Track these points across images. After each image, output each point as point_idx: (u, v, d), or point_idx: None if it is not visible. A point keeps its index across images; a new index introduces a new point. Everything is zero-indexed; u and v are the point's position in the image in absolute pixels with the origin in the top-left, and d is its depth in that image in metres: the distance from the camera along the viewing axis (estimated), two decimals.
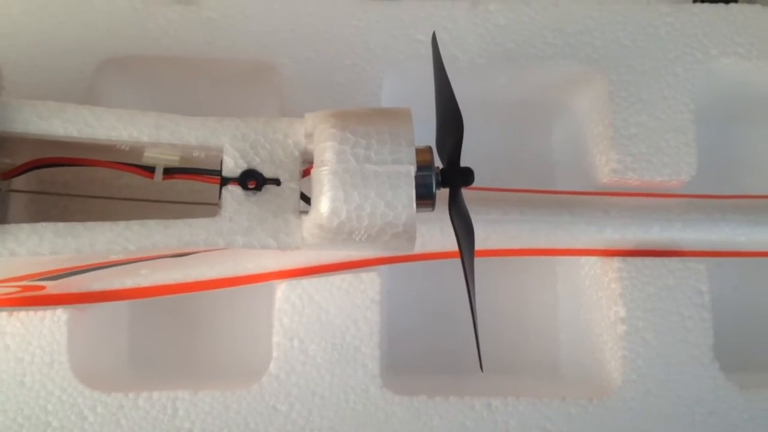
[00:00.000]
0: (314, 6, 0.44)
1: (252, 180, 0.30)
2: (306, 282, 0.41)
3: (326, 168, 0.28)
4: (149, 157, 0.31)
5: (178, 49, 0.43)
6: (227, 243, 0.29)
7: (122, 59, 0.43)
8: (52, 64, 0.41)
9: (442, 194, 0.31)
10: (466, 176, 0.31)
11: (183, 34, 0.43)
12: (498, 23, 0.45)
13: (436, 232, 0.41)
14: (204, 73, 0.45)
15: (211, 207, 0.31)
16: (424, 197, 0.30)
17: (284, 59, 0.43)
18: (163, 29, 0.43)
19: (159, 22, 0.43)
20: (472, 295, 0.31)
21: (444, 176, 0.31)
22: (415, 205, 0.29)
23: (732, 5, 0.47)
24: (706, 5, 0.47)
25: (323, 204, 0.28)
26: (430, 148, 0.31)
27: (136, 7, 0.43)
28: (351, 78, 0.43)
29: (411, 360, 0.47)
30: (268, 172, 0.30)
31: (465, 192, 0.42)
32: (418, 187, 0.29)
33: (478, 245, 0.42)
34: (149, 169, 0.32)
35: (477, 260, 0.48)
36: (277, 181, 0.31)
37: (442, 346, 0.48)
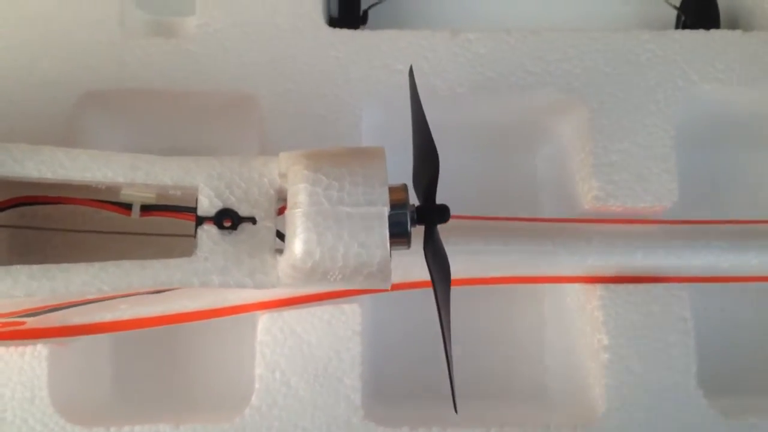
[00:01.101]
0: (293, 38, 0.44)
1: (227, 218, 0.30)
2: (287, 314, 0.41)
3: (299, 210, 0.28)
4: (126, 194, 0.31)
5: (157, 81, 0.43)
6: (202, 283, 0.29)
7: (102, 92, 0.43)
8: (31, 98, 0.42)
9: (420, 230, 0.31)
10: (442, 214, 0.31)
11: (162, 67, 0.43)
12: (478, 52, 0.45)
13: (419, 261, 0.41)
14: (184, 105, 0.45)
15: (191, 239, 0.31)
16: (399, 236, 0.30)
17: (264, 91, 0.43)
18: (142, 62, 0.43)
19: (138, 55, 0.43)
20: (446, 337, 0.31)
21: (419, 213, 0.31)
22: (388, 245, 0.29)
23: (713, 31, 0.47)
24: (687, 32, 0.47)
25: (297, 246, 0.28)
26: (405, 186, 0.31)
27: (115, 41, 0.43)
28: (331, 109, 0.43)
29: (394, 389, 0.47)
30: (243, 211, 0.30)
31: (450, 222, 0.43)
32: (392, 225, 0.29)
33: (461, 274, 0.42)
34: (127, 206, 0.32)
35: (462, 288, 0.48)
36: (252, 220, 0.31)
37: (425, 374, 0.48)
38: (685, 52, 0.46)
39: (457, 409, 0.31)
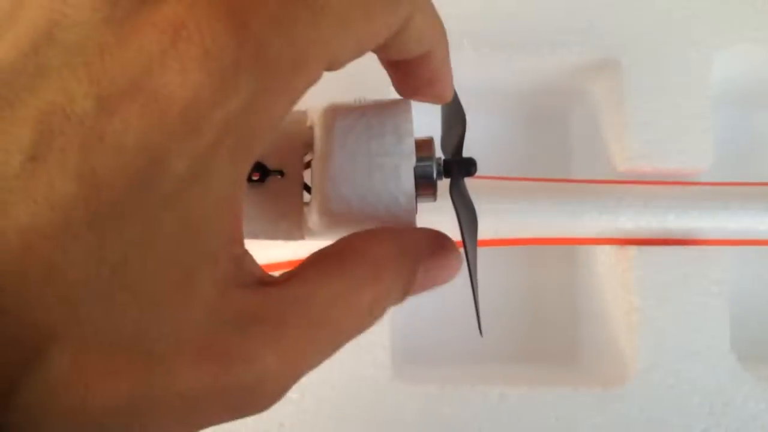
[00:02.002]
0: None
1: (255, 171, 0.30)
2: None
3: (327, 159, 0.29)
4: None
5: None
6: None
7: None
8: None
9: (446, 185, 0.31)
10: (468, 166, 0.31)
11: None
12: (509, 10, 0.44)
13: (446, 222, 0.41)
14: None
15: None
16: (426, 187, 0.30)
17: None
18: None
19: None
20: (473, 267, 0.30)
21: (446, 166, 0.31)
22: (415, 193, 0.29)
23: None
24: None
25: (324, 195, 0.29)
26: (431, 139, 0.31)
27: None
28: (360, 66, 0.43)
29: (422, 349, 0.48)
30: (271, 164, 0.31)
31: (474, 182, 0.42)
32: (418, 176, 0.29)
33: (489, 234, 0.42)
34: None
35: (491, 249, 0.48)
36: (280, 173, 0.31)
37: (453, 335, 0.48)
38: (721, 10, 0.45)
39: (480, 334, 0.31)
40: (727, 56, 0.45)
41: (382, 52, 0.21)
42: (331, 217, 0.29)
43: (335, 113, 0.29)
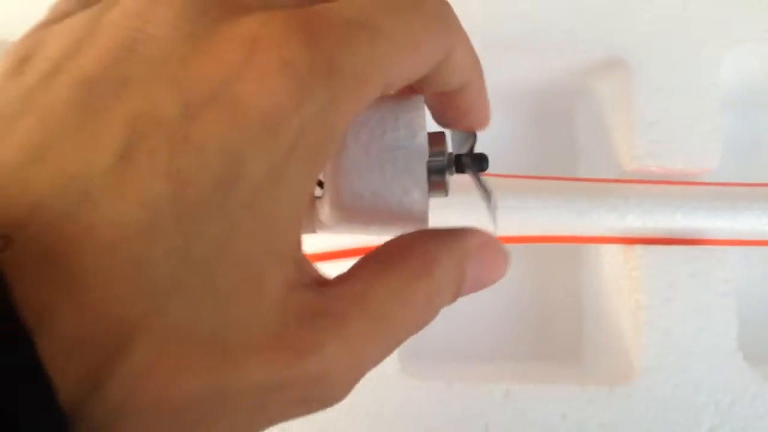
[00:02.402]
0: None
1: None
2: (326, 266, 0.41)
3: (340, 152, 0.29)
4: None
5: None
6: None
7: None
8: None
9: (455, 180, 0.31)
10: (480, 161, 0.31)
11: None
12: (518, 9, 0.44)
13: (455, 217, 0.41)
14: None
15: None
16: (437, 182, 0.30)
17: None
18: None
19: None
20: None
21: (457, 161, 0.31)
22: (427, 188, 0.29)
23: None
24: None
25: (337, 188, 0.29)
26: (443, 134, 0.31)
27: None
28: None
29: (430, 345, 0.48)
30: None
31: (483, 179, 0.43)
32: (431, 171, 0.30)
33: (497, 233, 0.42)
34: None
35: None
36: None
37: (461, 331, 0.49)
38: (730, 9, 0.45)
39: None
40: (736, 56, 0.45)
41: (425, 83, 0.22)
42: (344, 210, 0.29)
43: None
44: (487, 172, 0.32)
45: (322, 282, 0.19)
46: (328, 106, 0.16)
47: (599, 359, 0.47)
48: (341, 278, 0.20)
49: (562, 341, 0.49)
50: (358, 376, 0.18)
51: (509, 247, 0.45)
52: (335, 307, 0.18)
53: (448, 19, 0.21)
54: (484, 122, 0.27)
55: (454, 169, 0.31)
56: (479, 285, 0.23)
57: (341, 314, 0.18)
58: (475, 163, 0.31)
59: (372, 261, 0.21)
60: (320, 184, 0.31)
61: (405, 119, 0.29)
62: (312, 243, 0.40)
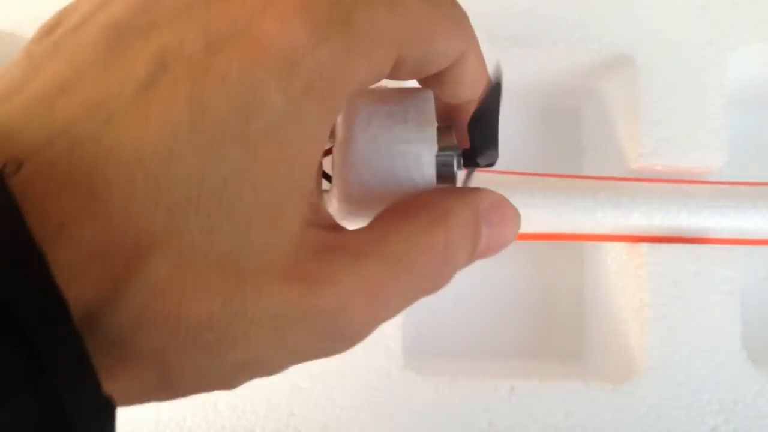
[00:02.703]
0: None
1: None
2: None
3: (349, 145, 0.29)
4: None
5: None
6: None
7: None
8: None
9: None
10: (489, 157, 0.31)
11: None
12: (525, 7, 0.44)
13: None
14: None
15: None
16: (446, 176, 0.30)
17: None
18: None
19: None
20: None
21: (465, 156, 0.31)
22: (435, 183, 0.29)
23: None
24: None
25: (345, 181, 0.29)
26: (452, 128, 0.31)
27: None
28: None
29: (433, 342, 0.48)
30: None
31: (488, 176, 0.43)
32: (439, 165, 0.30)
33: None
34: None
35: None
36: None
37: (464, 329, 0.49)
38: (737, 10, 0.45)
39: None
40: (742, 56, 0.45)
41: (438, 87, 0.23)
42: (352, 203, 0.29)
43: (357, 100, 0.29)
44: (493, 168, 0.32)
45: (337, 227, 0.20)
46: (344, 54, 0.17)
47: (603, 357, 0.47)
48: (356, 229, 0.20)
49: (566, 338, 0.49)
50: (375, 316, 0.18)
51: (515, 244, 0.45)
52: (351, 245, 0.18)
53: (466, 25, 0.21)
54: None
55: (462, 163, 0.31)
56: (494, 245, 0.23)
57: (357, 251, 0.18)
58: (483, 157, 0.31)
59: (389, 211, 0.22)
60: (328, 177, 0.31)
61: (413, 112, 0.29)
62: None
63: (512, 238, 0.24)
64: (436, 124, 0.29)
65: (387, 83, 0.31)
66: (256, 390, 0.40)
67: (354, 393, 0.40)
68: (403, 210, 0.21)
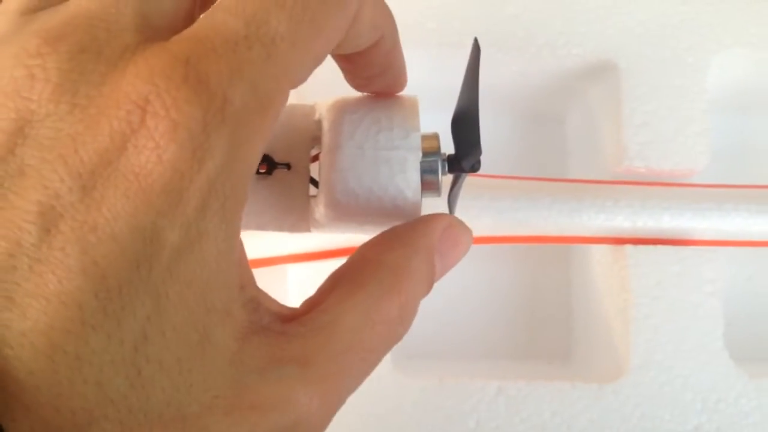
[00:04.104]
0: None
1: (263, 164, 0.31)
2: (317, 266, 0.42)
3: (335, 151, 0.29)
4: None
5: None
6: (241, 225, 0.30)
7: None
8: None
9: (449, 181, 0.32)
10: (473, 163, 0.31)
11: None
12: (511, 13, 0.45)
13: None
14: None
15: None
16: (430, 182, 0.31)
17: None
18: None
19: None
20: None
21: (450, 162, 0.31)
22: (420, 188, 0.30)
23: None
24: None
25: (332, 187, 0.29)
26: (437, 134, 0.31)
27: None
28: None
29: (421, 344, 0.48)
30: (279, 157, 0.31)
31: (475, 180, 0.43)
32: (424, 172, 0.30)
33: (488, 232, 0.43)
34: None
35: (489, 247, 0.49)
36: (287, 165, 0.31)
37: (452, 330, 0.49)
38: (718, 15, 0.46)
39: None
40: (724, 60, 0.45)
41: (336, 49, 0.21)
42: (338, 209, 0.30)
43: (344, 107, 0.29)
44: (479, 172, 0.33)
45: (284, 317, 0.18)
46: (233, 153, 0.16)
47: (589, 357, 0.47)
48: (306, 308, 0.19)
49: (552, 340, 0.50)
50: (332, 413, 0.18)
51: (501, 247, 0.46)
52: (298, 350, 0.17)
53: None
54: (401, 81, 0.26)
55: (447, 169, 0.32)
56: (448, 267, 0.23)
57: (305, 357, 0.17)
58: (467, 164, 0.32)
59: (338, 283, 0.20)
60: (315, 183, 0.31)
61: (399, 119, 0.30)
62: (306, 242, 0.41)
63: (465, 253, 0.24)
64: (420, 131, 0.30)
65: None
66: None
67: None
68: (354, 277, 0.20)
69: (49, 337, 0.14)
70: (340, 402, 0.18)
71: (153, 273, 0.15)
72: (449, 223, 0.24)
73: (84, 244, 0.14)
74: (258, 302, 0.18)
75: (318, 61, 0.19)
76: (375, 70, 0.25)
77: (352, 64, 0.24)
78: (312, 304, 0.19)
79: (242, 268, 0.18)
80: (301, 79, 0.18)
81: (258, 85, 0.16)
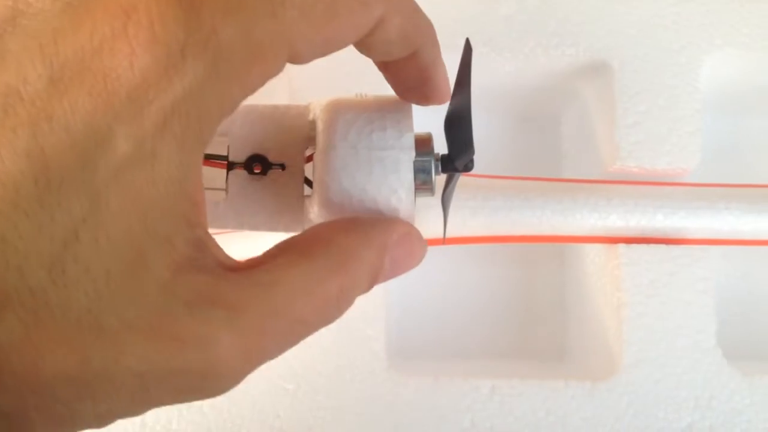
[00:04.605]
0: None
1: (257, 164, 0.31)
2: None
3: (329, 151, 0.29)
4: None
5: None
6: (234, 225, 0.30)
7: None
8: None
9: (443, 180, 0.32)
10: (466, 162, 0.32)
11: None
12: (504, 13, 0.45)
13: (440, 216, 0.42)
14: None
15: (218, 192, 0.32)
16: (424, 182, 0.31)
17: None
18: None
19: None
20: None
21: (443, 162, 0.31)
22: (413, 188, 0.30)
23: None
24: None
25: (326, 187, 0.29)
26: (430, 135, 0.31)
27: None
28: (358, 64, 0.44)
29: (416, 343, 0.48)
30: (273, 157, 0.31)
31: (469, 180, 0.43)
32: (417, 171, 0.30)
33: (481, 231, 0.43)
34: None
35: (483, 247, 0.49)
36: (282, 166, 0.32)
37: (447, 329, 0.49)
38: (710, 15, 0.46)
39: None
40: (716, 60, 0.46)
41: (366, 52, 0.21)
42: (332, 209, 0.30)
43: (337, 107, 0.30)
44: (473, 172, 0.33)
45: (227, 266, 0.18)
46: (205, 84, 0.16)
47: (582, 356, 0.48)
48: (250, 263, 0.19)
49: (546, 338, 0.50)
50: (247, 371, 0.18)
51: (495, 246, 0.46)
52: (232, 297, 0.17)
53: None
54: (440, 95, 0.26)
55: (440, 168, 0.32)
56: (396, 273, 0.23)
57: (237, 305, 0.17)
58: (460, 163, 0.32)
59: (287, 249, 0.20)
60: (309, 182, 0.31)
61: (392, 119, 0.30)
62: None
63: (415, 266, 0.24)
64: (414, 131, 0.30)
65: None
66: (241, 392, 0.41)
67: (339, 394, 0.41)
68: (302, 250, 0.20)
69: None
70: (257, 363, 0.18)
71: (98, 176, 0.15)
72: (409, 231, 0.24)
73: (36, 129, 0.14)
74: (204, 244, 0.18)
75: (326, 47, 0.19)
76: (412, 83, 0.25)
77: (389, 73, 0.25)
78: (255, 263, 0.19)
79: (195, 206, 0.17)
80: (301, 55, 0.18)
81: (251, 32, 0.16)
